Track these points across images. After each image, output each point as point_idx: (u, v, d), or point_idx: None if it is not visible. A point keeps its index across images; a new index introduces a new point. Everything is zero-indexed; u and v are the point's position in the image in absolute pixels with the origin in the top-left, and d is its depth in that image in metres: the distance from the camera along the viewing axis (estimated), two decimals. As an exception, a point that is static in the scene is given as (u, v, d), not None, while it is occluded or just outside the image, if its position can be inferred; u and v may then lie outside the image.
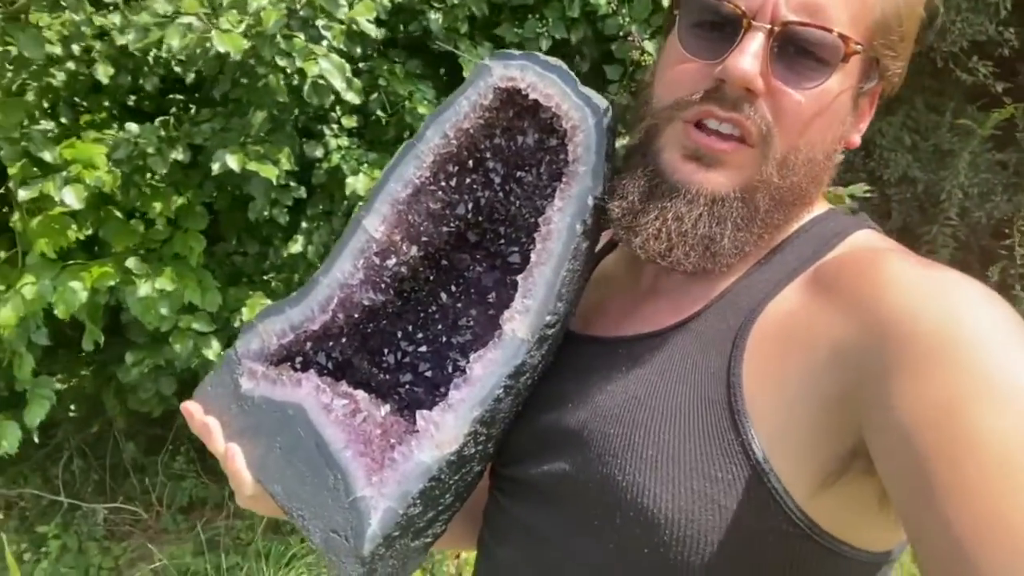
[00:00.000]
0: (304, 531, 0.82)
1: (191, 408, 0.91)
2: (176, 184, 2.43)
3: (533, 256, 0.82)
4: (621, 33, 2.55)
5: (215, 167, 2.15)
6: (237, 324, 2.46)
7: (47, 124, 2.27)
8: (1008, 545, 0.54)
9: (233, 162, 2.14)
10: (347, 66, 2.17)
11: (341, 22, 2.21)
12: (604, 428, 0.76)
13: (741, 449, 0.70)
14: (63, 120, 2.37)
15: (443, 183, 0.92)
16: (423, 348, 0.97)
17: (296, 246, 2.55)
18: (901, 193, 3.91)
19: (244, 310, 2.46)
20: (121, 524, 3.42)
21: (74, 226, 2.30)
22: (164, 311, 2.29)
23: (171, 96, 2.67)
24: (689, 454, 0.71)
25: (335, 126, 2.55)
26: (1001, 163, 3.94)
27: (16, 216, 2.32)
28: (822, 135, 0.78)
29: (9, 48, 2.17)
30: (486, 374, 0.80)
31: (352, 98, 2.24)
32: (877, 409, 0.63)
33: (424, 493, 0.78)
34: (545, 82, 0.85)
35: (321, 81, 2.14)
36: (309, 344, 0.92)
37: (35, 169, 2.26)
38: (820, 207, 0.85)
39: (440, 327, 0.98)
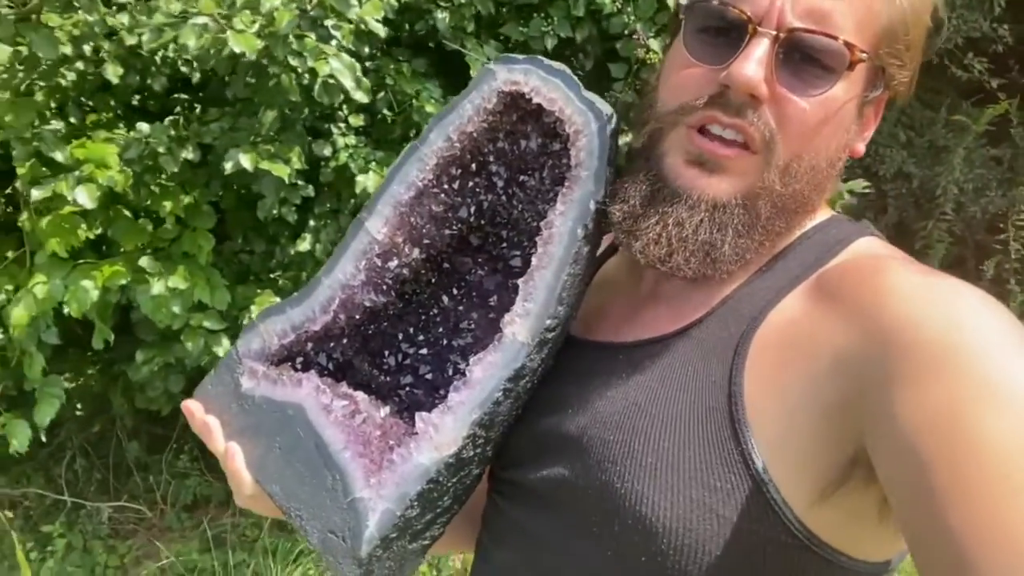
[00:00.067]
0: (302, 531, 0.82)
1: (192, 407, 0.91)
2: (183, 183, 2.44)
3: (534, 260, 0.82)
4: (626, 32, 2.57)
5: (228, 166, 2.17)
6: (246, 322, 2.47)
7: (57, 124, 2.28)
8: (1008, 549, 0.54)
9: (246, 161, 2.16)
10: (357, 65, 2.18)
11: (350, 21, 2.22)
12: (604, 434, 0.76)
13: (741, 459, 0.69)
14: (72, 120, 2.38)
15: (446, 186, 0.92)
16: (424, 350, 0.98)
17: (304, 244, 2.56)
18: (897, 189, 3.94)
19: (253, 308, 2.47)
20: (125, 523, 3.42)
21: (83, 225, 2.31)
22: (176, 309, 2.30)
23: (175, 96, 2.68)
24: (688, 462, 0.71)
25: (342, 125, 2.57)
26: (995, 159, 3.97)
27: (24, 216, 2.32)
28: (826, 143, 0.78)
29: (20, 48, 2.18)
30: (485, 377, 0.80)
31: (361, 97, 2.25)
32: (879, 417, 0.63)
33: (422, 495, 0.78)
34: (549, 86, 0.85)
35: (331, 80, 2.16)
36: (310, 344, 0.92)
37: (44, 169, 2.27)
38: (823, 214, 0.85)
39: (441, 330, 0.98)
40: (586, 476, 0.76)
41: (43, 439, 2.49)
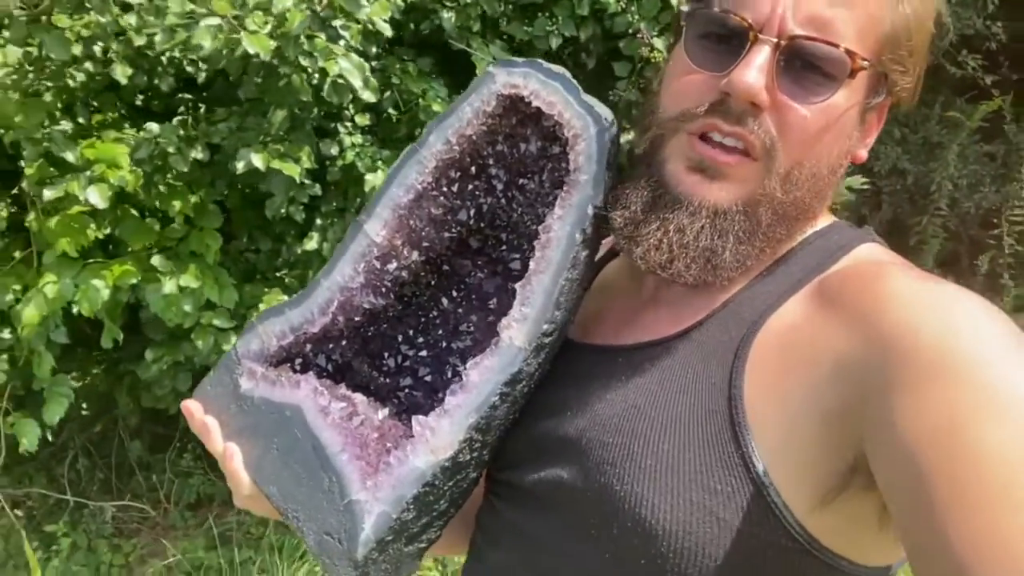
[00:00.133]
0: (299, 532, 0.82)
1: (191, 407, 0.92)
2: (189, 183, 2.45)
3: (532, 264, 0.82)
4: (630, 31, 2.58)
5: (240, 165, 2.18)
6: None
7: (66, 124, 2.28)
8: (1008, 565, 0.54)
9: (258, 160, 2.17)
10: (366, 65, 2.20)
11: (358, 22, 2.24)
12: (603, 437, 0.76)
13: (741, 462, 0.69)
14: (80, 120, 2.39)
15: (445, 189, 0.92)
16: (423, 352, 0.98)
17: (311, 243, 2.57)
18: (892, 185, 3.97)
19: (261, 306, 2.48)
20: (129, 522, 3.43)
21: (92, 225, 2.31)
22: (188, 308, 2.31)
23: (179, 95, 2.68)
24: (688, 464, 0.71)
25: (348, 124, 2.58)
26: (989, 155, 4.00)
27: (31, 216, 2.33)
28: (828, 150, 0.77)
29: (29, 49, 2.18)
30: (482, 381, 0.80)
31: (368, 97, 2.27)
32: (879, 425, 0.63)
33: (418, 498, 0.78)
34: (548, 90, 0.84)
35: (341, 80, 2.17)
36: (309, 346, 0.93)
37: (51, 169, 2.27)
38: (824, 220, 0.85)
39: (441, 332, 0.98)
40: (585, 478, 0.76)
41: (49, 438, 2.50)
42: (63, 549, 3.15)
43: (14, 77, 2.17)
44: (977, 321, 0.63)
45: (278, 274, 2.74)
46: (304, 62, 2.09)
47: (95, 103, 2.53)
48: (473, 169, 0.93)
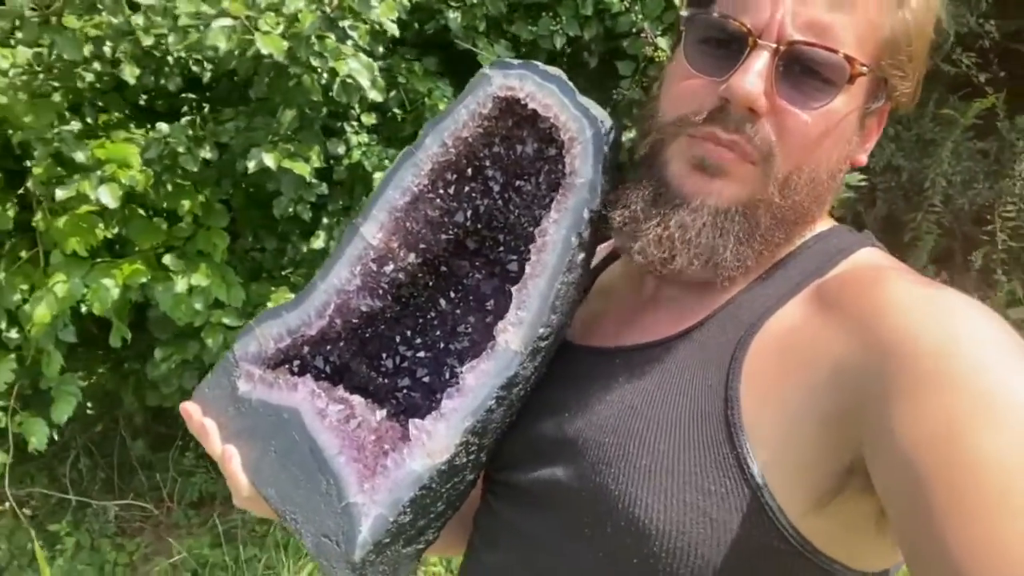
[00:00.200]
0: (297, 534, 0.83)
1: (190, 409, 0.92)
2: (195, 183, 2.46)
3: (528, 268, 0.82)
4: (634, 30, 2.61)
5: (251, 165, 2.19)
6: (260, 319, 2.49)
7: (75, 125, 2.29)
8: (1005, 570, 0.54)
9: (270, 160, 2.19)
10: (375, 65, 2.21)
11: (366, 22, 2.25)
12: (599, 437, 0.76)
13: (736, 463, 0.69)
14: (88, 120, 2.40)
15: (441, 191, 0.92)
16: (421, 353, 0.98)
17: (318, 242, 2.59)
18: (886, 182, 3.99)
19: (269, 304, 2.50)
20: (132, 521, 3.44)
21: (101, 225, 2.32)
22: (199, 306, 2.32)
23: (183, 95, 2.69)
24: (683, 465, 0.71)
25: (355, 123, 2.59)
26: (982, 151, 4.01)
27: (38, 216, 2.33)
28: (827, 155, 0.77)
29: (39, 50, 2.19)
30: (478, 385, 0.80)
31: (375, 96, 2.28)
32: (878, 430, 0.63)
33: (415, 501, 0.78)
34: (544, 92, 0.84)
35: (350, 80, 2.19)
36: (306, 348, 0.93)
37: (59, 169, 2.28)
38: (824, 223, 0.85)
39: (438, 333, 0.98)
40: (581, 478, 0.76)
41: (55, 438, 2.50)
42: (67, 548, 3.16)
43: (24, 78, 2.18)
44: (976, 328, 0.63)
45: (284, 273, 2.75)
46: (315, 62, 2.11)
47: (101, 103, 2.54)
48: (469, 171, 0.93)
